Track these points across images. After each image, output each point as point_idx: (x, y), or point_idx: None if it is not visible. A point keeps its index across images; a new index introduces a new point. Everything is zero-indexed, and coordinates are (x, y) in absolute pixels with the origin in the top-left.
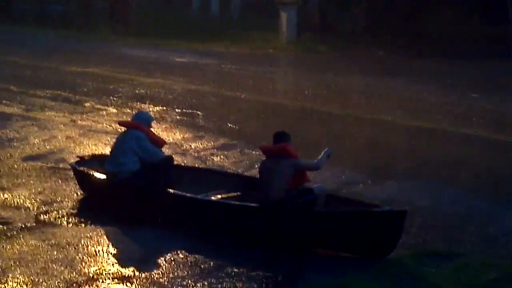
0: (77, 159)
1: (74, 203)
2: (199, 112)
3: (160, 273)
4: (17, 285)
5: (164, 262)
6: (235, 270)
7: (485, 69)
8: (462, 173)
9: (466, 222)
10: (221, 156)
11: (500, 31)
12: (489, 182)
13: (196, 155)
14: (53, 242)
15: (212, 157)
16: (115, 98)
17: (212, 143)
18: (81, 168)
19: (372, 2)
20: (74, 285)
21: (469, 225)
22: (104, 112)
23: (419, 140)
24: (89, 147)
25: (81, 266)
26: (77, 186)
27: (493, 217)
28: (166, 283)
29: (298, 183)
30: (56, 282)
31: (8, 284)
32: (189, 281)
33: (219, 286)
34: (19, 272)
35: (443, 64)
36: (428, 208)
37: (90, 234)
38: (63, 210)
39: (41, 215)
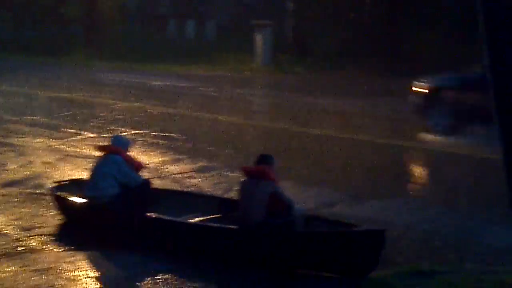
0: (55, 184)
1: (54, 228)
2: (176, 135)
3: None
4: None
5: (144, 286)
6: None
7: None
8: (444, 190)
9: (448, 240)
10: (199, 179)
11: (476, 49)
12: (471, 199)
13: (174, 178)
14: (34, 268)
15: (190, 179)
16: (92, 123)
17: (190, 166)
18: (60, 193)
19: (348, 23)
20: None
21: (451, 243)
22: (81, 137)
23: (399, 158)
24: (67, 172)
25: None
26: (56, 211)
27: (475, 234)
28: None
29: (277, 205)
30: None
31: None
32: None
33: None
34: None
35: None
36: (409, 226)
37: (71, 259)
38: (42, 235)
39: (21, 241)
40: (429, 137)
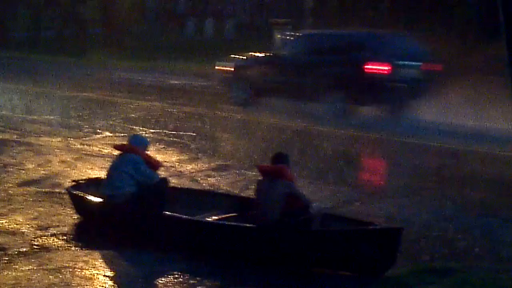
0: (73, 183)
1: (70, 227)
2: (194, 134)
3: None
4: None
5: (160, 285)
6: None
7: (481, 86)
8: (460, 188)
9: (464, 238)
10: (217, 177)
11: (495, 48)
12: (488, 197)
13: (191, 176)
14: (50, 267)
15: (208, 178)
16: (110, 122)
17: (208, 165)
18: (77, 192)
19: (366, 21)
20: None
21: (467, 241)
22: (99, 136)
23: (415, 155)
24: (84, 171)
25: None
26: (73, 210)
27: (492, 232)
28: None
29: (293, 205)
30: None
31: None
32: None
33: None
34: None
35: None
36: (425, 224)
37: (87, 258)
38: (59, 234)
39: (37, 240)
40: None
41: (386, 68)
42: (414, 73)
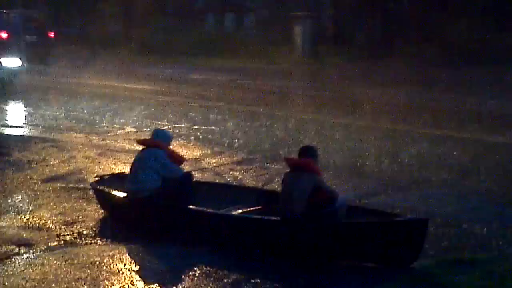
0: (97, 178)
1: (95, 222)
2: (217, 128)
3: None
4: None
5: (186, 278)
6: (259, 283)
7: (502, 75)
8: (485, 180)
9: (490, 229)
10: (241, 171)
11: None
12: (510, 188)
13: (215, 170)
14: (76, 262)
15: (231, 172)
16: (132, 117)
17: (231, 159)
18: (101, 187)
19: (387, 12)
20: None
21: (493, 232)
22: (122, 131)
23: (440, 148)
24: (108, 166)
25: (104, 284)
26: (98, 205)
27: None
28: None
29: (319, 198)
30: None
31: None
32: None
33: None
34: None
35: (459, 72)
36: (451, 216)
37: (112, 252)
38: (84, 229)
39: (63, 236)
40: None
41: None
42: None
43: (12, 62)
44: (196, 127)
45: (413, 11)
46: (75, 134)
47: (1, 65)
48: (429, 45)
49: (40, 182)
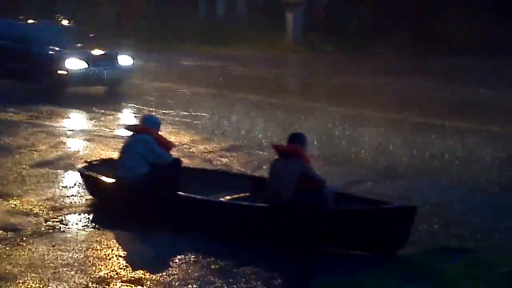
0: (85, 164)
1: (83, 208)
2: (206, 115)
3: (171, 275)
4: None
5: (174, 264)
6: (246, 270)
7: (496, 66)
8: (473, 169)
9: (478, 218)
10: (229, 158)
11: (509, 28)
12: (501, 178)
13: (204, 157)
14: (63, 247)
15: (220, 158)
16: (122, 103)
17: (220, 145)
18: (89, 173)
19: (380, 1)
20: None
21: (480, 221)
22: (111, 117)
23: (430, 137)
24: (97, 152)
25: (91, 270)
26: (86, 191)
27: (505, 213)
28: (177, 285)
29: (307, 185)
30: (67, 286)
31: None
32: (199, 282)
33: (230, 286)
34: (29, 277)
35: (452, 62)
36: (439, 205)
37: (100, 238)
38: (72, 215)
39: (51, 221)
40: None
41: None
42: None
43: (126, 60)
44: (186, 113)
45: (405, 0)
46: (63, 119)
47: (118, 63)
48: (421, 34)
49: (28, 167)
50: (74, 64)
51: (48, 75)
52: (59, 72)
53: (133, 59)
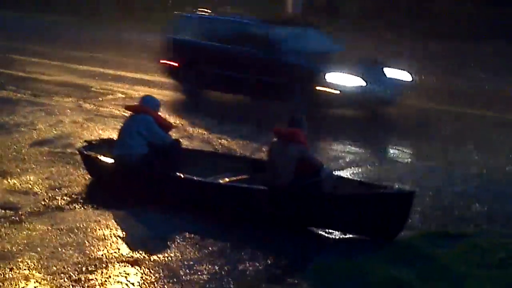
0: (85, 143)
1: (82, 188)
2: (206, 97)
3: (169, 255)
4: (26, 270)
5: (172, 245)
6: (244, 252)
7: (493, 50)
8: (470, 153)
9: (475, 203)
10: (228, 139)
11: (507, 11)
12: (498, 163)
13: (203, 138)
14: (62, 227)
15: (219, 140)
16: (121, 83)
17: (219, 127)
18: (89, 153)
19: None
20: (84, 268)
21: (477, 206)
22: (111, 97)
23: (427, 121)
24: (96, 131)
25: (90, 249)
26: (85, 171)
27: (502, 198)
28: (174, 265)
29: (306, 168)
30: (66, 266)
31: (17, 268)
32: (197, 263)
33: (228, 267)
34: (28, 256)
35: (450, 45)
36: (436, 189)
37: (99, 218)
38: (71, 194)
39: (49, 200)
40: None
41: None
42: None
43: (399, 73)
44: (185, 94)
45: None
46: (63, 98)
47: (385, 75)
48: (420, 18)
49: (27, 146)
50: (341, 79)
51: (304, 93)
52: (319, 88)
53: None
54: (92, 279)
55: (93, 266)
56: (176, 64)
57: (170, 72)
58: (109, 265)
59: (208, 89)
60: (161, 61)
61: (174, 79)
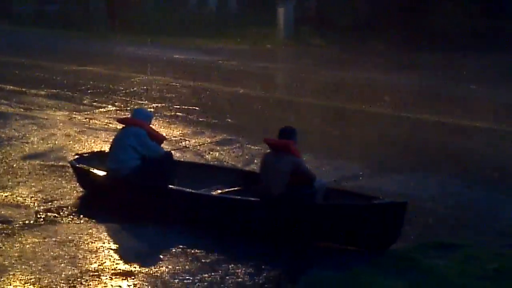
0: (76, 156)
1: (74, 200)
2: (197, 108)
3: (161, 268)
4: (19, 283)
5: (165, 258)
6: (237, 264)
7: (485, 62)
8: (466, 164)
9: (470, 214)
10: (221, 151)
11: (499, 23)
12: (493, 174)
13: (195, 150)
14: (54, 240)
15: (212, 152)
16: (113, 96)
17: (211, 139)
18: (81, 165)
19: None
20: (76, 281)
21: (472, 217)
22: (103, 110)
23: (422, 132)
24: (88, 144)
25: (82, 262)
26: (77, 183)
27: (497, 209)
28: (167, 278)
29: (298, 179)
30: (58, 278)
31: (10, 281)
32: (190, 276)
33: (220, 280)
34: (20, 269)
35: (443, 56)
36: (432, 200)
37: (91, 230)
38: (63, 207)
39: (42, 213)
40: None
41: None
42: None
43: None
44: (177, 106)
45: None
46: (55, 111)
47: None
48: (413, 28)
49: (19, 159)
50: None
51: None
52: None
53: None
54: None
55: (85, 279)
56: None
57: None
58: (102, 277)
59: None
60: None
61: None
